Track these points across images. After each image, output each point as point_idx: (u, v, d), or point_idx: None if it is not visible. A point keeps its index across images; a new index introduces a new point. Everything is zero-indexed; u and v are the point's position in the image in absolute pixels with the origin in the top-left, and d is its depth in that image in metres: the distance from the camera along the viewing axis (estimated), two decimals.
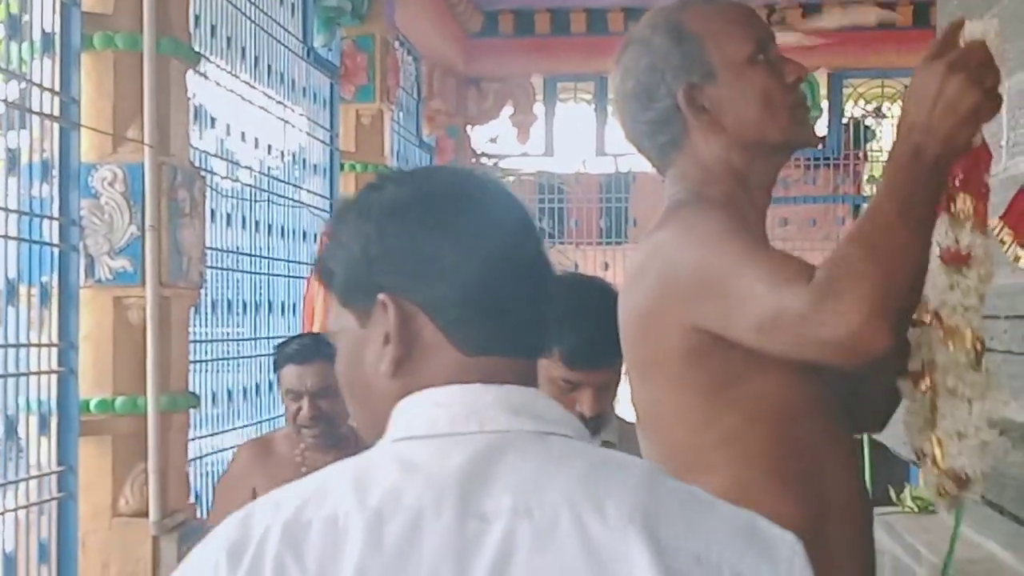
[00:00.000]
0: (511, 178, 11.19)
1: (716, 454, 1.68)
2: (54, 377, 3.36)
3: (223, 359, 5.00)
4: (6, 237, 3.21)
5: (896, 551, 3.60)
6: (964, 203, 1.68)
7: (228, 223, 4.98)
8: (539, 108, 9.63)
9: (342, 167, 6.57)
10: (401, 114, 7.89)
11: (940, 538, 3.42)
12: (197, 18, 4.44)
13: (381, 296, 1.10)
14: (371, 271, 1.11)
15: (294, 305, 5.75)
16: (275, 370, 3.53)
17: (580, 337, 2.38)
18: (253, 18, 5.30)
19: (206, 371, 4.74)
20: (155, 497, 3.67)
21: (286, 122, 5.83)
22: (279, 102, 5.69)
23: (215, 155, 4.90)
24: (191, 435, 4.23)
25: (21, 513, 3.20)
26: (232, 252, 5.03)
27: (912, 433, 1.77)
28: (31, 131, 3.37)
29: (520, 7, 9.15)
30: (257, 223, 5.38)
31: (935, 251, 1.61)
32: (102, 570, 3.68)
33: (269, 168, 5.62)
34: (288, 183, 5.84)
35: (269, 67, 5.53)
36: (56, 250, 3.38)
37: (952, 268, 1.68)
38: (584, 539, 0.99)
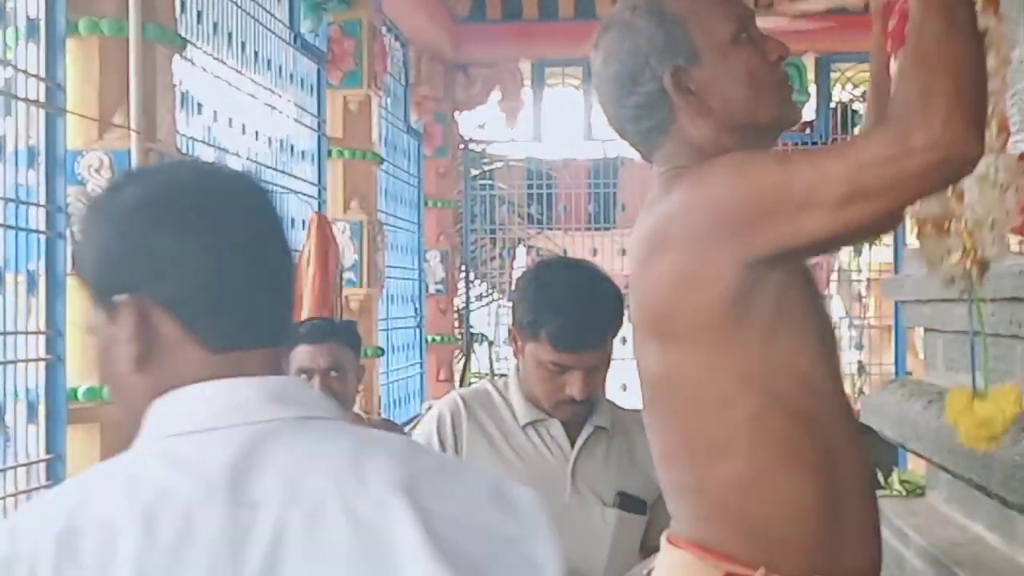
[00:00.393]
0: (499, 164, 11.19)
1: (736, 437, 1.67)
2: (41, 365, 3.35)
3: None
4: None
5: (884, 534, 3.60)
6: None
7: None
8: (527, 94, 9.61)
9: (330, 153, 6.56)
10: (389, 100, 7.87)
11: (928, 521, 3.44)
12: (183, 4, 4.41)
13: (119, 297, 1.13)
14: (113, 271, 1.14)
15: None
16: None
17: (567, 319, 2.39)
18: (239, 4, 5.28)
19: None
20: None
21: (273, 108, 5.81)
22: (266, 88, 5.67)
23: (202, 141, 4.88)
24: None
25: (9, 501, 3.19)
26: None
27: (933, 250, 1.78)
28: (16, 118, 3.35)
29: None
30: None
31: None
32: None
33: (256, 155, 5.60)
34: (276, 170, 5.82)
35: (256, 53, 5.51)
36: (43, 237, 3.36)
37: None
38: (352, 517, 1.05)
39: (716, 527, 1.70)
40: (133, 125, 3.59)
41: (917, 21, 1.49)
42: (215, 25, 4.96)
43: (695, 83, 1.71)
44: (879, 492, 4.14)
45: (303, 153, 6.28)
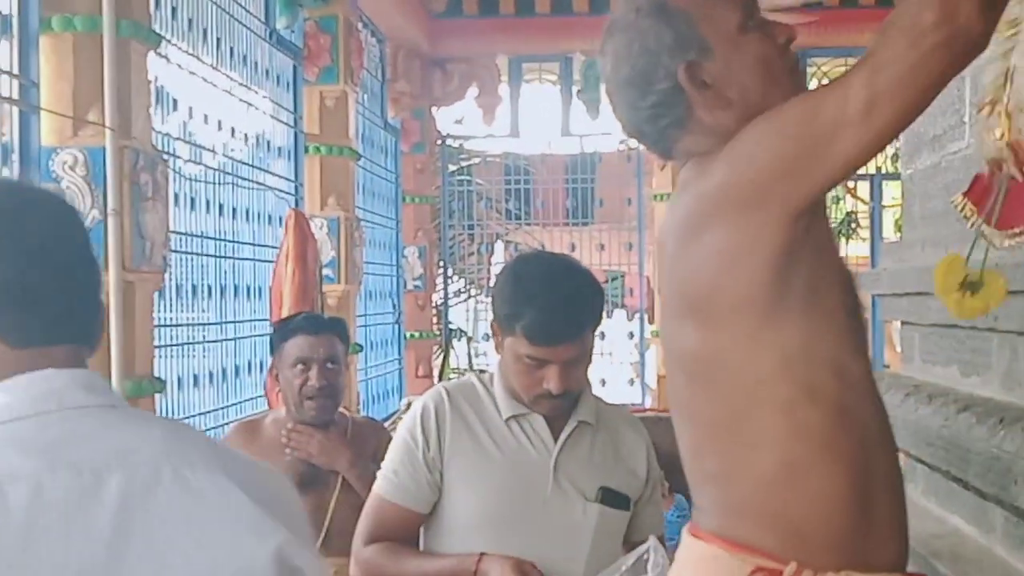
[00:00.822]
0: (477, 160, 11.18)
1: (771, 426, 1.66)
2: None
3: (189, 344, 4.97)
4: None
5: None
6: None
7: (192, 207, 4.94)
8: (504, 89, 9.60)
9: (307, 149, 6.54)
10: (366, 96, 7.85)
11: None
12: (157, 0, 4.39)
13: None
14: None
15: (260, 289, 5.72)
16: (276, 344, 3.53)
17: (542, 313, 2.38)
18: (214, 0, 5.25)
19: (172, 356, 4.71)
20: None
21: (249, 105, 5.79)
22: (242, 84, 5.65)
23: (178, 138, 4.86)
24: None
25: None
26: (197, 236, 5.00)
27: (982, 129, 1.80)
28: None
29: None
30: (221, 207, 5.34)
31: None
32: None
33: (233, 151, 5.58)
34: (252, 166, 5.80)
35: (231, 49, 5.49)
36: None
37: None
38: (185, 484, 1.20)
39: (745, 520, 1.68)
40: (108, 122, 3.57)
41: None
42: (190, 21, 4.95)
43: (710, 76, 1.69)
44: None
45: (279, 149, 6.27)
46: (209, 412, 5.03)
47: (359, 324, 7.27)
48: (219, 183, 5.33)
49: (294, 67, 6.43)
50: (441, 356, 10.12)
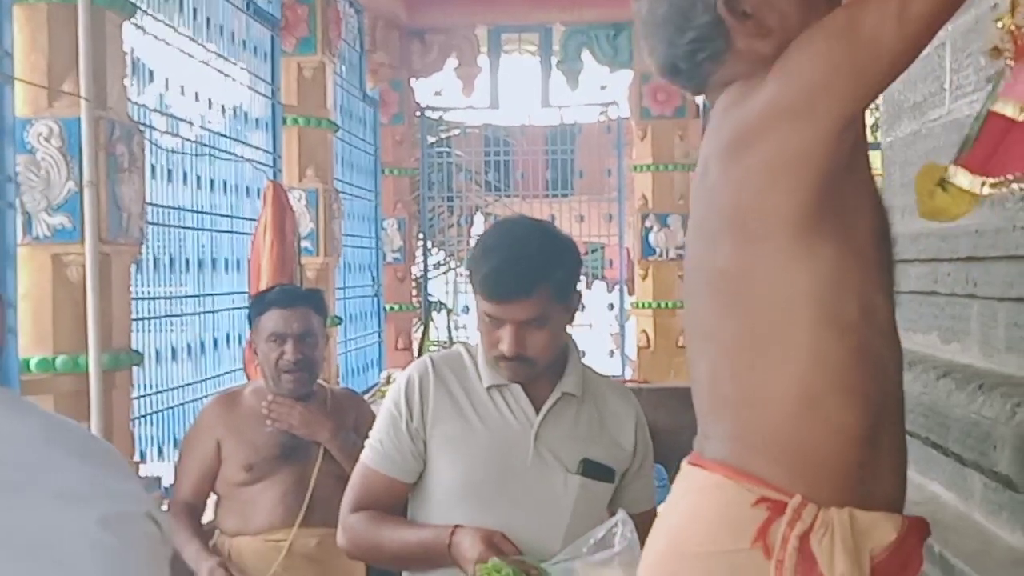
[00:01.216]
0: (456, 131, 11.15)
1: (793, 353, 1.66)
2: None
3: (167, 316, 4.95)
4: None
5: None
6: None
7: (169, 179, 4.91)
8: (483, 60, 9.56)
9: (285, 121, 6.50)
10: (344, 67, 7.80)
11: None
12: None
13: None
14: None
15: (238, 262, 5.69)
16: (252, 318, 3.52)
17: (492, 267, 2.37)
18: None
19: (150, 329, 4.69)
20: None
21: (227, 76, 5.74)
22: (219, 55, 5.61)
23: (154, 110, 4.82)
24: (135, 394, 4.18)
25: None
26: (174, 208, 4.96)
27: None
28: None
29: None
30: (199, 179, 5.30)
31: None
32: None
33: (210, 123, 5.54)
34: (230, 138, 5.76)
35: (208, 19, 5.43)
36: None
37: None
38: (64, 455, 1.25)
39: (754, 450, 1.68)
40: (83, 93, 3.53)
41: None
42: None
43: (750, 5, 1.71)
44: None
45: (257, 121, 6.22)
46: (187, 385, 5.01)
47: (338, 297, 7.25)
48: (196, 155, 5.30)
49: (272, 38, 6.37)
50: (421, 328, 10.11)
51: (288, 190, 5.86)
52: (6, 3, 3.39)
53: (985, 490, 2.64)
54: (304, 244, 6.09)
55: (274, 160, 6.32)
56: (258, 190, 5.80)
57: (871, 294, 1.68)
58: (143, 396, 4.45)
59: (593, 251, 11.27)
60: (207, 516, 3.64)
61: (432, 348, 9.50)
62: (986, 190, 2.26)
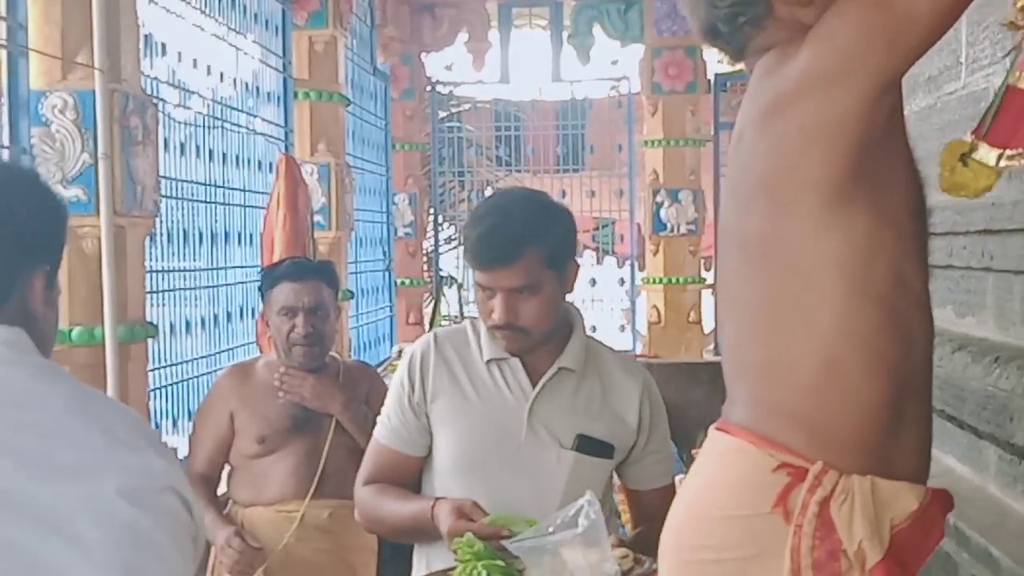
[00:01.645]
0: (467, 106, 11.12)
1: (822, 317, 1.66)
2: None
3: (180, 290, 4.96)
4: None
5: None
6: None
7: (182, 152, 4.91)
8: (494, 35, 9.54)
9: (296, 95, 6.49)
10: (355, 42, 7.79)
11: None
12: None
13: None
14: None
15: (251, 235, 5.70)
16: (264, 291, 3.53)
17: (477, 235, 2.37)
18: None
19: (163, 303, 4.70)
20: None
21: (238, 49, 5.73)
22: (231, 28, 5.60)
23: (166, 83, 4.82)
24: (149, 366, 4.20)
25: None
26: (187, 181, 4.97)
27: None
28: None
29: None
30: (211, 152, 5.30)
31: None
32: None
33: (222, 96, 5.54)
34: (242, 111, 5.76)
35: None
36: None
37: None
38: (88, 422, 1.31)
39: (777, 416, 1.68)
40: (97, 65, 3.53)
41: None
42: None
43: None
44: None
45: (269, 95, 6.22)
46: (201, 358, 5.03)
47: (350, 271, 7.26)
48: (208, 128, 5.30)
49: (283, 11, 6.37)
50: (432, 303, 10.12)
51: (300, 164, 5.85)
52: None
53: (1000, 462, 2.64)
54: (316, 218, 6.09)
55: (285, 134, 6.32)
56: (270, 164, 5.80)
57: (904, 264, 1.68)
58: (157, 369, 4.46)
59: (604, 226, 11.26)
60: (221, 488, 3.66)
61: (443, 322, 9.52)
62: (1003, 163, 2.25)
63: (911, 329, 1.70)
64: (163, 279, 4.70)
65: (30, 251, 1.43)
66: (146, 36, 4.36)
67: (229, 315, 5.43)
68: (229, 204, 5.54)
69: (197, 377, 4.90)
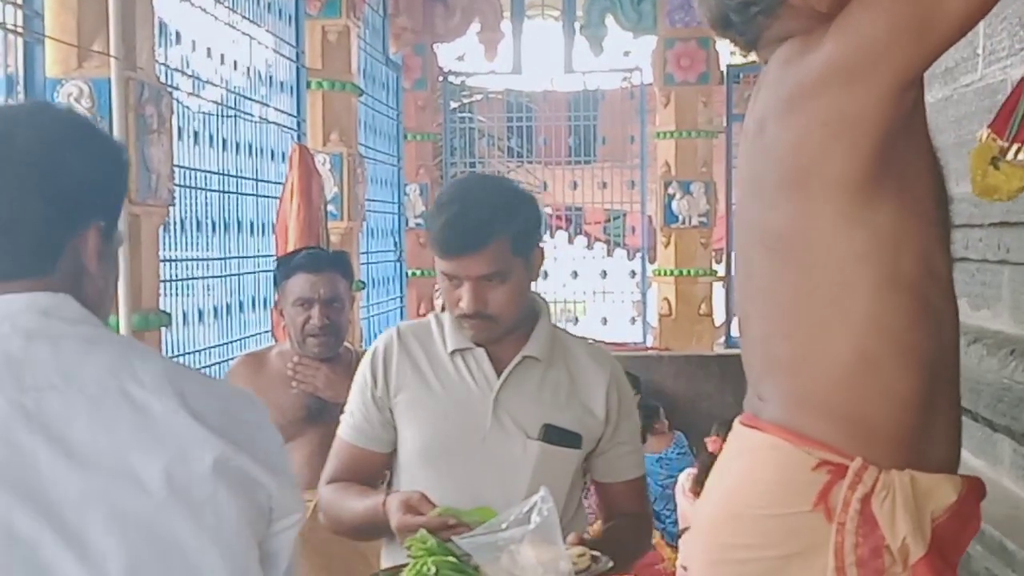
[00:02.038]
0: (479, 97, 11.12)
1: (853, 310, 1.66)
2: None
3: (193, 279, 4.97)
4: None
5: None
6: None
7: (195, 141, 4.92)
8: (506, 25, 9.52)
9: (309, 84, 6.49)
10: (367, 31, 7.78)
11: None
12: None
13: None
14: None
15: (263, 225, 5.70)
16: (279, 281, 3.53)
17: (443, 222, 2.32)
18: None
19: (177, 292, 4.71)
20: None
21: (252, 38, 5.74)
22: (244, 17, 5.60)
23: (179, 71, 4.82)
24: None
25: None
26: (200, 171, 4.98)
27: None
28: None
29: None
30: (224, 141, 5.31)
31: None
32: None
33: (235, 86, 5.54)
34: (255, 100, 5.76)
35: None
36: None
37: None
38: (131, 401, 1.27)
39: (812, 412, 1.68)
40: (113, 52, 3.54)
41: None
42: None
43: None
44: None
45: (282, 84, 6.22)
46: (213, 347, 5.04)
47: (362, 262, 7.26)
48: (222, 117, 5.30)
49: (296, 1, 6.36)
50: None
51: (312, 154, 5.86)
52: None
53: (1015, 455, 2.64)
54: (328, 208, 6.09)
55: (298, 124, 6.32)
56: (283, 154, 5.81)
57: (931, 253, 1.68)
58: (171, 358, 4.47)
59: (615, 218, 11.25)
60: None
61: None
62: (1021, 156, 2.25)
63: (940, 317, 1.70)
64: (177, 268, 4.71)
65: (82, 207, 1.36)
66: (161, 25, 4.37)
67: (242, 304, 5.44)
68: (242, 193, 5.54)
69: (210, 366, 4.91)
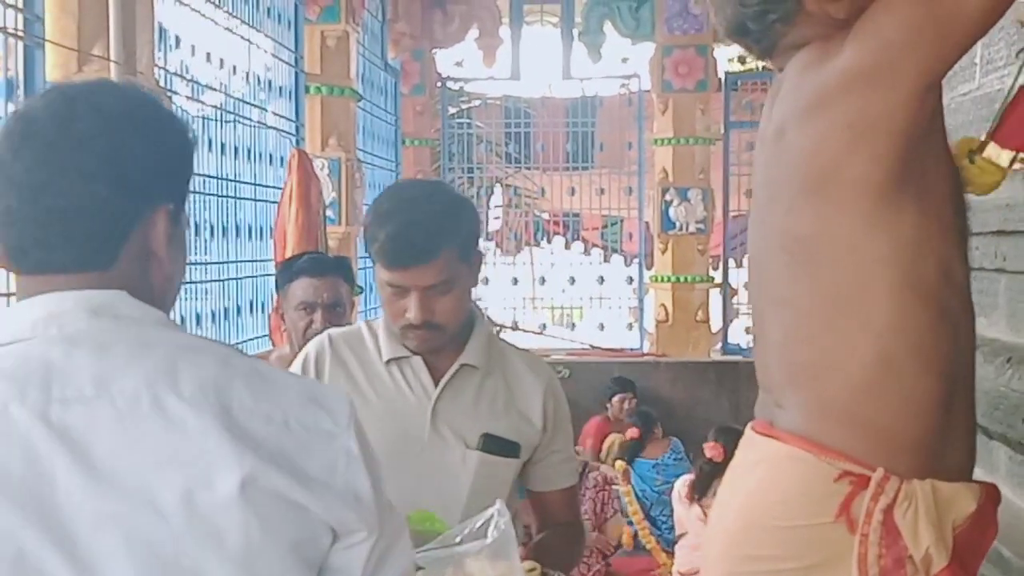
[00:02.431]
0: (477, 102, 11.13)
1: (875, 317, 1.66)
2: None
3: (192, 283, 4.98)
4: None
5: None
6: None
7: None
8: (505, 31, 9.54)
9: (307, 89, 6.50)
10: (366, 37, 7.80)
11: None
12: None
13: None
14: None
15: (261, 229, 5.71)
16: (281, 285, 3.52)
17: (389, 233, 2.24)
18: None
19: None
20: None
21: (251, 43, 5.75)
22: (244, 22, 5.61)
23: (179, 75, 4.83)
24: None
25: None
26: (199, 175, 4.98)
27: None
28: None
29: None
30: (223, 146, 5.32)
31: None
32: None
33: (234, 91, 5.55)
34: (254, 105, 5.77)
35: None
36: None
37: None
38: (163, 414, 1.16)
39: (833, 422, 1.68)
40: (113, 56, 3.54)
41: None
42: None
43: None
44: None
45: (280, 89, 6.23)
46: None
47: (360, 267, 7.26)
48: (221, 122, 5.31)
49: (295, 5, 6.38)
50: None
51: (311, 158, 5.87)
52: None
53: (1011, 463, 2.65)
54: (327, 213, 6.10)
55: (297, 128, 6.33)
56: (281, 158, 5.82)
57: (950, 257, 1.69)
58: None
59: (612, 224, 11.26)
60: None
61: None
62: (1017, 165, 2.25)
63: (957, 322, 1.70)
64: None
65: (150, 190, 1.26)
66: (160, 29, 4.38)
67: (239, 308, 5.45)
68: (240, 198, 5.55)
69: None
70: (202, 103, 5.14)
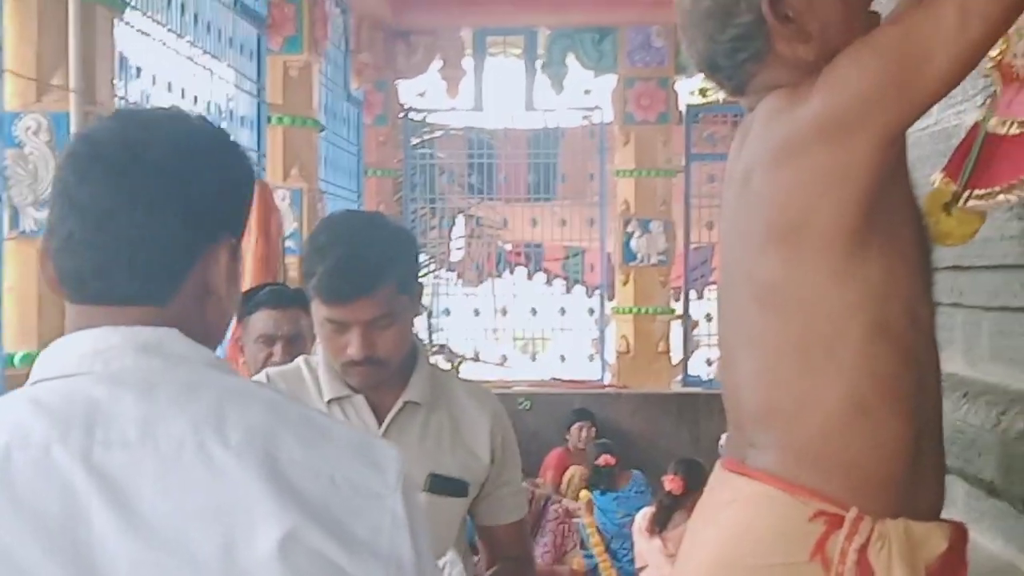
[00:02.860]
0: (440, 133, 11.14)
1: (844, 360, 1.66)
2: None
3: None
4: None
5: None
6: None
7: None
8: (468, 62, 9.57)
9: (269, 120, 6.49)
10: (329, 67, 7.80)
11: None
12: None
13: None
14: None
15: None
16: (241, 316, 3.49)
17: (327, 267, 2.18)
18: None
19: None
20: None
21: (213, 73, 5.73)
22: (206, 52, 5.60)
23: (140, 106, 4.81)
24: None
25: None
26: None
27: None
28: None
29: None
30: None
31: None
32: None
33: None
34: None
35: (195, 16, 5.43)
36: None
37: None
38: (207, 462, 1.10)
39: (807, 462, 1.68)
40: (72, 86, 3.53)
41: None
42: None
43: (792, 9, 1.71)
44: None
45: (242, 119, 6.22)
46: None
47: None
48: None
49: (258, 36, 6.37)
50: None
51: (272, 189, 5.85)
52: None
53: (968, 498, 2.66)
54: (287, 244, 6.08)
55: (259, 159, 6.31)
56: None
57: (916, 301, 1.70)
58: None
59: (574, 255, 11.28)
60: None
61: None
62: (971, 202, 2.28)
63: (924, 363, 1.71)
64: None
65: (216, 222, 1.22)
66: (121, 59, 4.36)
67: None
68: None
69: None
70: None
